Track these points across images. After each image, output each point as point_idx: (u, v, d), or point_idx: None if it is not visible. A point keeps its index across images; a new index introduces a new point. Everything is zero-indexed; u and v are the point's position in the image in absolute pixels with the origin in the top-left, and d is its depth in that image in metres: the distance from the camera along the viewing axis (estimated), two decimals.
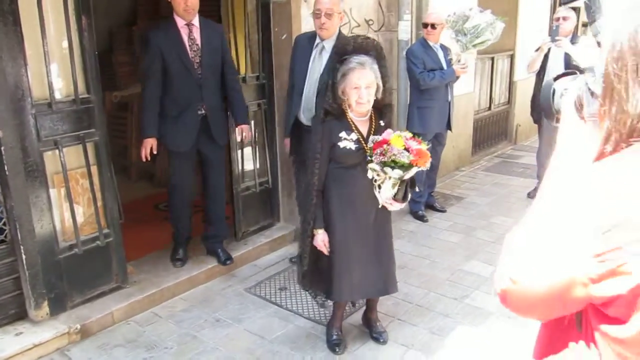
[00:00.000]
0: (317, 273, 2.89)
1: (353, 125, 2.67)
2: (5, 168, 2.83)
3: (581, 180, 0.78)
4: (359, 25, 4.66)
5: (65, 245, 3.13)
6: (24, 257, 2.97)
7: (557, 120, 0.90)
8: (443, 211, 5.06)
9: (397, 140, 2.52)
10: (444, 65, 4.52)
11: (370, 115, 2.71)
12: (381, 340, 3.02)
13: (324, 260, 2.82)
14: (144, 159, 3.49)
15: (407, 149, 2.50)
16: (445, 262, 4.02)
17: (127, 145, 5.96)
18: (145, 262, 3.76)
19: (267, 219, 4.41)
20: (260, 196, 4.29)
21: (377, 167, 2.50)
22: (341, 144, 2.64)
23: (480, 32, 4.25)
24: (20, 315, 3.08)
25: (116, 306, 3.27)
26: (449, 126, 4.76)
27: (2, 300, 3.00)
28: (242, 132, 3.67)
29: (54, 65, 2.95)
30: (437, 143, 4.71)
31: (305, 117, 3.63)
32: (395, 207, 2.65)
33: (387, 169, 2.48)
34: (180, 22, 3.39)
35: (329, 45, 3.49)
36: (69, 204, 3.11)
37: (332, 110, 2.67)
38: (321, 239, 2.74)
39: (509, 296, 0.87)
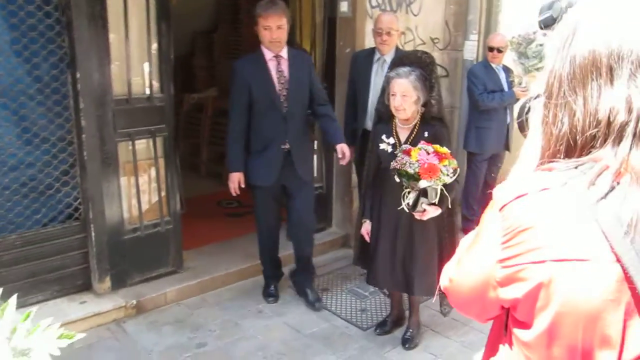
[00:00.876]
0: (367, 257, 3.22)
1: (394, 131, 2.91)
2: (85, 154, 3.20)
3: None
4: (424, 43, 4.78)
5: (130, 228, 3.46)
6: (93, 234, 3.32)
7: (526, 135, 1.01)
8: None
9: (415, 152, 2.66)
10: (505, 87, 4.56)
11: (415, 124, 2.88)
12: (406, 346, 3.14)
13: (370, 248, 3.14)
14: (233, 194, 3.36)
15: (418, 161, 2.63)
16: None
17: (199, 144, 6.35)
18: (200, 252, 4.05)
19: (320, 223, 4.60)
20: (315, 201, 4.48)
21: (394, 174, 2.71)
22: (381, 146, 2.91)
23: (544, 56, 4.27)
24: (86, 286, 3.43)
25: (169, 288, 3.56)
26: (507, 147, 4.78)
27: (71, 271, 3.36)
28: (342, 151, 3.44)
29: (133, 66, 3.30)
30: (493, 164, 4.74)
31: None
32: (415, 215, 2.79)
33: (399, 176, 2.69)
34: (268, 54, 3.26)
35: (389, 58, 3.69)
36: (136, 191, 3.45)
37: (383, 113, 2.97)
38: (364, 228, 3.10)
39: (448, 293, 1.01)
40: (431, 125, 2.88)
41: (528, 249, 0.80)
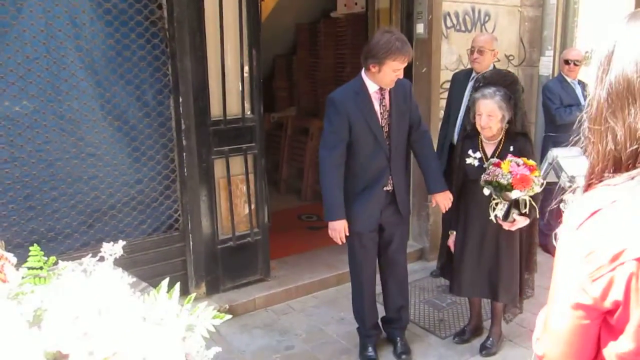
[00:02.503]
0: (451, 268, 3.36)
1: (480, 146, 3.05)
2: (185, 170, 3.54)
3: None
4: (498, 60, 4.86)
5: (223, 238, 3.77)
6: (191, 243, 3.65)
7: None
8: None
9: (506, 164, 2.81)
10: (582, 101, 4.57)
11: (501, 139, 3.02)
12: (483, 353, 3.25)
13: (453, 258, 3.27)
14: (340, 243, 3.03)
15: (510, 172, 2.77)
16: None
17: (280, 161, 6.68)
18: (285, 262, 4.31)
19: None
20: None
21: (485, 185, 2.86)
22: (468, 160, 3.04)
23: None
24: (184, 291, 3.74)
25: (258, 294, 3.84)
26: None
27: (171, 277, 3.64)
28: (436, 201, 3.21)
29: (228, 90, 3.62)
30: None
31: None
32: (505, 225, 2.94)
33: (490, 188, 2.84)
34: (371, 87, 2.95)
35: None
36: (229, 204, 3.76)
37: (469, 130, 3.12)
38: (451, 239, 3.25)
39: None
40: (516, 140, 3.01)
41: (612, 255, 0.86)
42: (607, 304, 0.89)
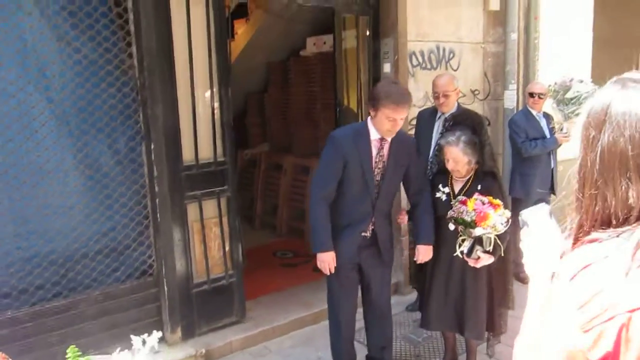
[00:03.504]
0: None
1: (449, 182, 3.18)
2: (158, 215, 3.55)
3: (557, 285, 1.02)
4: (464, 95, 5.01)
5: (198, 282, 3.77)
6: (165, 289, 3.64)
7: None
8: None
9: (472, 202, 2.91)
10: (547, 134, 4.72)
11: (469, 178, 3.14)
12: None
13: (423, 291, 3.39)
14: (328, 273, 3.08)
15: (474, 210, 2.87)
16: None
17: (254, 198, 6.70)
18: (260, 302, 4.31)
19: None
20: None
21: (451, 221, 2.98)
22: (437, 194, 3.18)
23: (582, 101, 4.44)
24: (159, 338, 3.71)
25: (234, 337, 3.82)
26: (553, 191, 4.90)
27: (145, 323, 3.65)
28: (420, 252, 3.18)
29: (199, 135, 3.66)
30: None
31: None
32: (469, 262, 3.01)
33: (455, 224, 2.96)
34: (373, 134, 3.03)
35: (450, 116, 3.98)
36: (203, 247, 3.76)
37: (440, 167, 3.26)
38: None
39: None
40: (484, 179, 3.11)
41: (604, 308, 0.90)
42: (598, 354, 0.91)
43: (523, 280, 4.90)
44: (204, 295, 3.79)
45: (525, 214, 1.22)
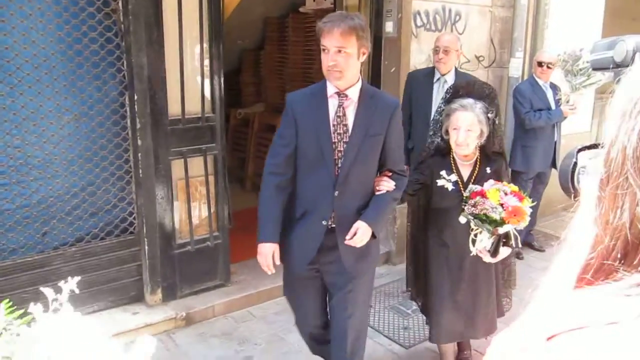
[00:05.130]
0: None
1: (454, 167, 2.67)
2: (140, 172, 3.36)
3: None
4: (468, 61, 4.80)
5: (181, 242, 3.61)
6: (146, 248, 3.47)
7: (575, 198, 0.71)
8: (541, 251, 5.00)
9: (494, 193, 2.46)
10: (552, 105, 4.52)
11: (476, 160, 2.66)
12: None
13: (428, 301, 2.89)
14: (267, 272, 2.44)
15: (502, 205, 2.44)
16: (531, 300, 4.02)
17: (245, 158, 6.51)
18: (247, 265, 4.15)
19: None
20: None
21: (470, 218, 2.49)
22: (439, 182, 2.63)
23: (592, 73, 4.23)
24: (138, 298, 3.58)
25: (217, 301, 3.68)
26: (554, 165, 4.74)
27: (125, 283, 3.52)
28: (354, 231, 2.32)
29: (187, 88, 3.44)
30: (539, 182, 4.71)
31: None
32: (486, 259, 2.60)
33: (477, 222, 2.46)
34: (330, 89, 2.32)
35: (450, 79, 3.79)
36: (187, 206, 3.59)
37: (439, 147, 2.72)
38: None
39: None
40: (492, 160, 2.68)
41: None
42: None
43: (517, 254, 4.77)
44: (186, 256, 3.63)
45: (585, 159, 0.94)
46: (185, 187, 3.55)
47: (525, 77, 4.96)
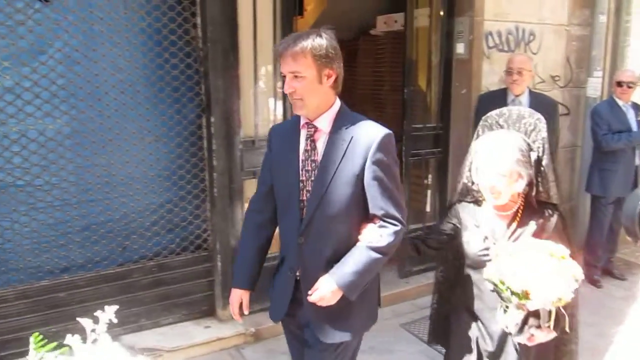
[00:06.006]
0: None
1: (485, 217, 2.08)
2: (215, 190, 3.50)
3: None
4: (543, 81, 4.69)
5: None
6: (219, 264, 3.60)
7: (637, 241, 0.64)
8: (622, 279, 4.76)
9: (518, 259, 1.81)
10: (633, 127, 4.33)
11: (517, 211, 2.03)
12: None
13: None
14: (234, 318, 2.26)
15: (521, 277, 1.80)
16: (614, 334, 3.82)
17: None
18: None
19: (430, 262, 4.58)
20: None
21: (492, 283, 1.88)
22: (465, 235, 2.10)
23: None
24: (210, 312, 3.70)
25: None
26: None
27: (198, 297, 3.65)
28: (316, 286, 1.91)
29: (260, 110, 3.58)
30: (618, 207, 4.50)
31: None
32: (517, 339, 1.93)
33: (498, 289, 1.86)
34: (302, 119, 1.98)
35: (525, 100, 3.78)
36: None
37: (468, 188, 2.14)
38: None
39: None
40: (540, 212, 2.03)
41: None
42: None
43: (595, 282, 4.57)
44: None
45: None
46: None
47: (605, 97, 4.79)
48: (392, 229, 1.92)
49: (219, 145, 3.45)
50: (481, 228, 2.06)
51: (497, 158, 1.93)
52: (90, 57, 3.11)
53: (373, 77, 6.23)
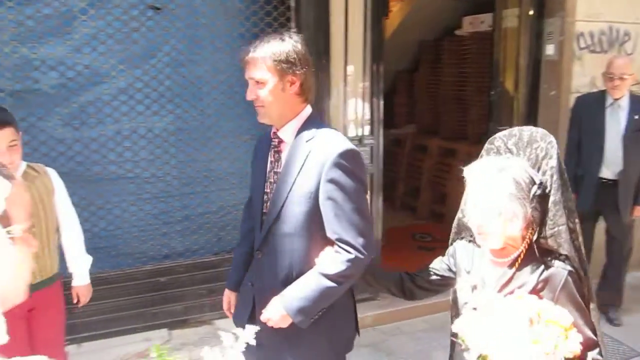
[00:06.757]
0: None
1: (480, 261, 1.70)
2: None
3: None
4: (638, 83, 4.53)
5: None
6: None
7: None
8: None
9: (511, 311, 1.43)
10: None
11: (518, 258, 1.60)
12: None
13: None
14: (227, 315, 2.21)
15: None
16: None
17: (396, 178, 6.68)
18: None
19: None
20: None
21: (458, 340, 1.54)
22: (458, 280, 1.73)
23: None
24: None
25: (368, 313, 3.87)
26: None
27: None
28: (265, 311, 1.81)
29: (348, 110, 3.71)
30: None
31: (610, 171, 3.77)
32: None
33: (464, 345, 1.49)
34: (274, 128, 1.89)
35: (624, 103, 3.72)
36: None
37: (465, 225, 1.75)
38: None
39: None
40: (544, 263, 1.56)
41: None
42: None
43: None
44: None
45: None
46: None
47: None
48: (345, 256, 1.73)
49: None
50: (471, 274, 1.68)
51: (485, 191, 1.53)
52: (194, 61, 3.37)
53: (457, 78, 6.22)
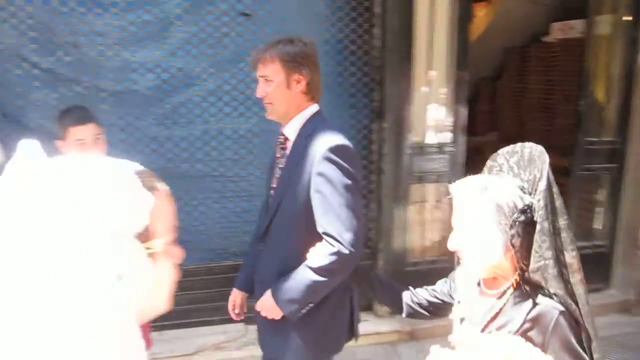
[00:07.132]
0: None
1: (469, 291, 1.56)
2: (382, 192, 3.70)
3: None
4: None
5: (413, 261, 3.85)
6: (379, 262, 3.80)
7: None
8: None
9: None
10: None
11: (506, 290, 1.42)
12: None
13: None
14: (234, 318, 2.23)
15: None
16: None
17: None
18: None
19: (596, 283, 4.37)
20: (592, 258, 4.30)
21: None
22: (453, 310, 1.61)
23: None
24: (368, 307, 3.90)
25: (442, 322, 3.81)
26: None
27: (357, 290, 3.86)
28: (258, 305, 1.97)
29: (430, 116, 3.69)
30: None
31: None
32: None
33: None
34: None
35: None
36: (421, 228, 3.82)
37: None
38: None
39: None
40: (534, 300, 1.36)
41: None
42: None
43: None
44: (417, 275, 3.85)
45: None
46: (420, 210, 3.80)
47: None
48: (329, 249, 1.75)
49: (390, 150, 3.63)
50: (460, 306, 1.56)
51: (464, 213, 1.40)
52: None
53: (544, 86, 6.03)
